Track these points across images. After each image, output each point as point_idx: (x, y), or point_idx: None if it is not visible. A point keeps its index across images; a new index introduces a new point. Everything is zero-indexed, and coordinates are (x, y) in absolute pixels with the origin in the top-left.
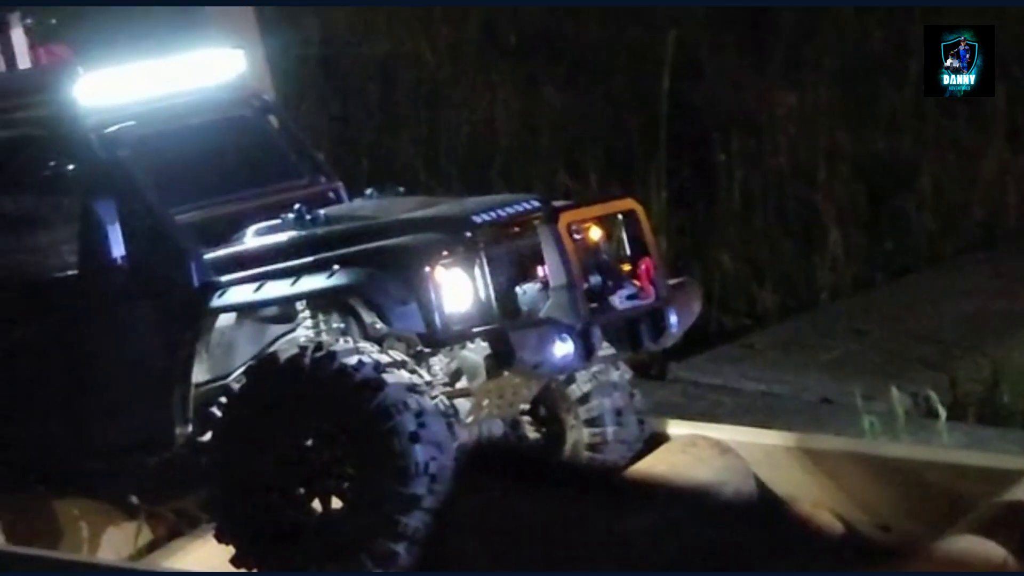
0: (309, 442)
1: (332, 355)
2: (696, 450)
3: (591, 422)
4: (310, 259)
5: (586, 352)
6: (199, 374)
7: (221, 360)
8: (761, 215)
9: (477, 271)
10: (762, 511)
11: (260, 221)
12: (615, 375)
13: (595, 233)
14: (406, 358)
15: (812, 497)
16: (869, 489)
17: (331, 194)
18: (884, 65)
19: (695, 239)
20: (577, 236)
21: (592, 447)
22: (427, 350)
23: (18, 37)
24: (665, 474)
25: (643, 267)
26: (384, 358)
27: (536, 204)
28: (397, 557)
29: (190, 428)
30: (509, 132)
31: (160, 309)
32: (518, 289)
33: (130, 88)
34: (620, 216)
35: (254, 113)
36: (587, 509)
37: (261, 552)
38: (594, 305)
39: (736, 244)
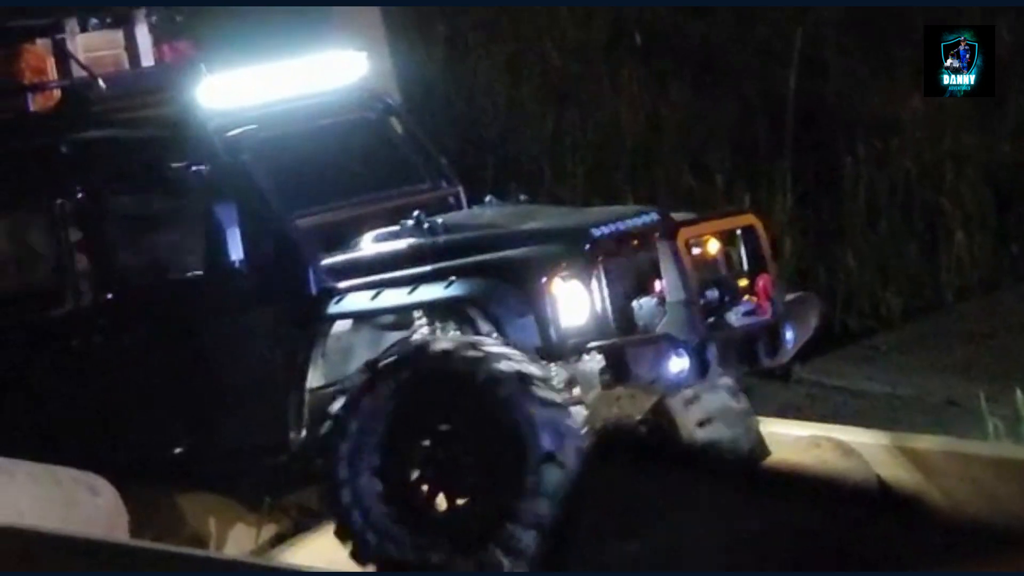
0: (443, 441)
1: (484, 358)
2: (819, 451)
3: (702, 423)
4: (428, 268)
5: (701, 368)
6: (315, 379)
7: (337, 365)
8: (887, 217)
9: (595, 284)
10: (883, 511)
11: (381, 226)
12: (733, 403)
13: (713, 248)
14: (552, 371)
15: (934, 499)
16: (993, 491)
17: (451, 199)
18: (1013, 68)
19: (820, 241)
20: (696, 251)
21: (705, 447)
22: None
23: (142, 33)
24: (788, 474)
25: (760, 284)
26: (532, 369)
27: (656, 218)
28: (501, 567)
29: (304, 433)
30: (635, 133)
31: (277, 314)
32: (635, 303)
33: (253, 91)
34: (739, 231)
35: (377, 116)
36: (712, 507)
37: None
38: (711, 321)
39: (862, 246)
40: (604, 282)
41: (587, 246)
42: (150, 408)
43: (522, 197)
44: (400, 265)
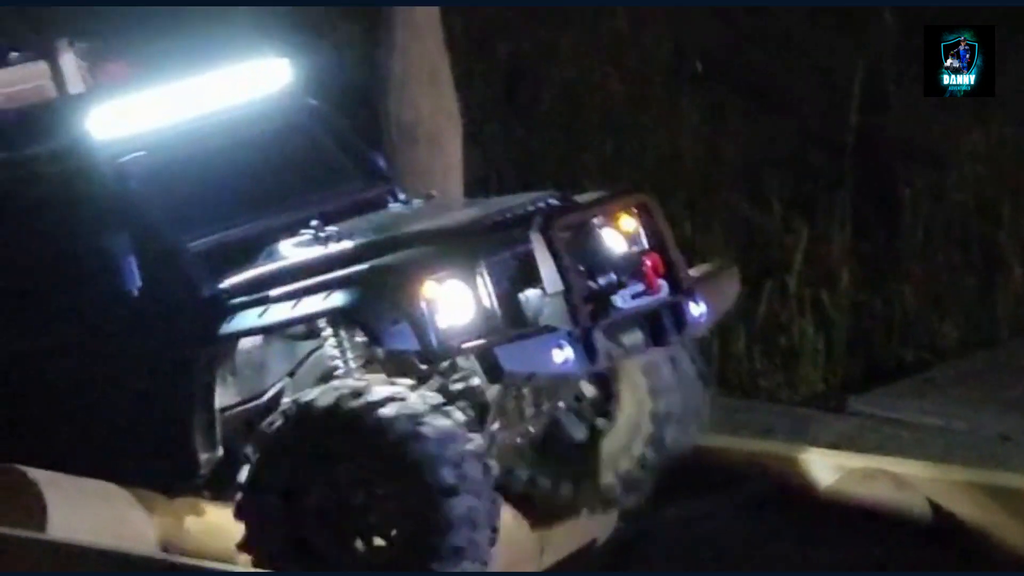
0: (351, 487)
1: (370, 407)
2: (874, 483)
3: (655, 392)
4: (312, 281)
5: (589, 355)
6: (226, 398)
7: (251, 380)
8: (944, 250)
9: (476, 282)
10: (938, 545)
11: (298, 233)
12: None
13: (597, 233)
14: (440, 399)
15: (987, 534)
16: None
17: (388, 196)
18: None
19: (877, 271)
20: (588, 235)
21: (658, 418)
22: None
23: (68, 62)
24: (843, 506)
25: (649, 263)
26: (416, 404)
27: (543, 206)
28: None
29: (220, 452)
30: (693, 160)
31: (173, 338)
32: (521, 297)
33: (149, 114)
34: (634, 211)
35: (303, 122)
36: (766, 538)
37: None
38: (594, 307)
39: (918, 277)
40: (488, 278)
41: (463, 245)
42: (58, 436)
43: (433, 192)
44: (293, 279)
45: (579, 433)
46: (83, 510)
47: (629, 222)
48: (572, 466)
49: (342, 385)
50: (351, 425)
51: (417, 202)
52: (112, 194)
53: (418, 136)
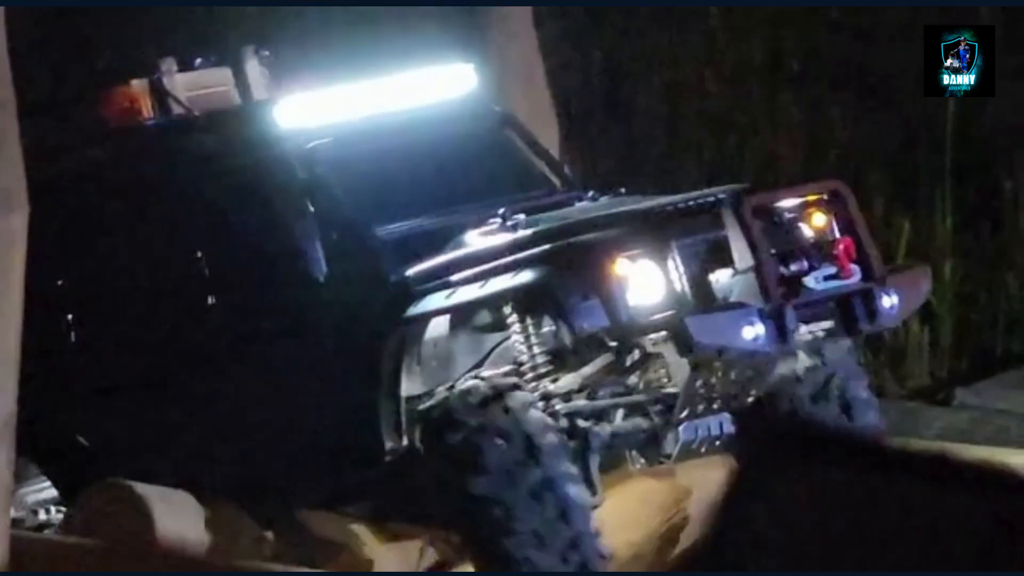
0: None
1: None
2: None
3: (815, 398)
4: (501, 263)
5: (779, 334)
6: (412, 387)
7: (438, 371)
8: None
9: (667, 262)
10: None
11: (485, 223)
12: (839, 354)
13: (792, 217)
14: (582, 403)
15: None
16: None
17: (576, 203)
18: None
19: (982, 263)
20: (781, 220)
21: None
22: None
23: (252, 69)
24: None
25: (841, 247)
26: (547, 422)
27: (730, 192)
28: None
29: (404, 441)
30: (794, 158)
31: (362, 323)
32: (712, 277)
33: (333, 108)
34: (825, 198)
35: (488, 126)
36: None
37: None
38: (787, 287)
39: (1022, 268)
40: (679, 259)
41: (653, 225)
42: (243, 423)
43: (621, 190)
44: (480, 263)
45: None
46: (189, 523)
47: (821, 209)
48: None
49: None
50: (477, 415)
51: (605, 197)
52: (299, 180)
53: None
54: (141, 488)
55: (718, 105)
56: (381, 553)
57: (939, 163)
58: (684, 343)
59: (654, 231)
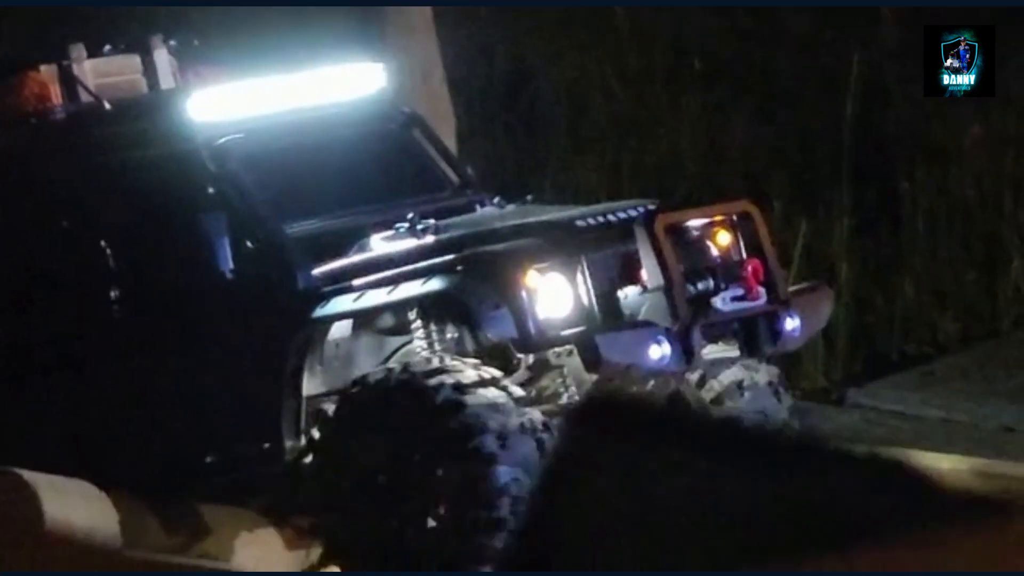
0: (398, 462)
1: (412, 376)
2: None
3: (715, 401)
4: (409, 268)
5: (686, 353)
6: (312, 386)
7: (339, 372)
8: (945, 244)
9: (577, 276)
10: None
11: (393, 227)
12: (755, 377)
13: (701, 236)
14: (497, 375)
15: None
16: None
17: (477, 206)
18: None
19: (879, 267)
20: (690, 238)
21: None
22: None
23: (161, 58)
24: None
25: (750, 268)
26: (469, 376)
27: (642, 210)
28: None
29: (303, 441)
30: (695, 159)
31: (267, 321)
32: (620, 293)
33: (246, 103)
34: (735, 219)
35: (396, 127)
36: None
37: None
38: (695, 307)
39: (920, 272)
40: (588, 273)
41: (566, 238)
42: (146, 415)
43: (528, 197)
44: (389, 267)
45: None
46: (83, 512)
47: (728, 228)
48: None
49: (396, 363)
50: (399, 395)
51: (512, 205)
52: (210, 174)
53: None
54: (31, 476)
55: (620, 105)
56: (279, 546)
57: (838, 165)
58: (591, 360)
59: (566, 244)
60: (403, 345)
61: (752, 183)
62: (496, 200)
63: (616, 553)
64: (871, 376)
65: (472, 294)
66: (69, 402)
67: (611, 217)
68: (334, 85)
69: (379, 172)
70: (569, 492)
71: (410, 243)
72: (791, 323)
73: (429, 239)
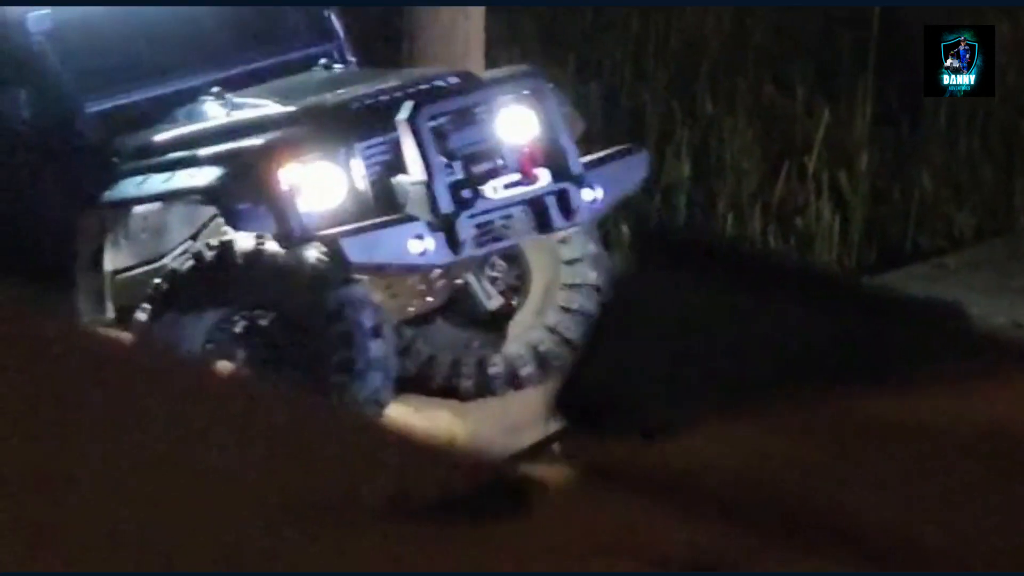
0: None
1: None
2: None
3: (571, 262)
4: (186, 154)
5: (452, 246)
6: (118, 261)
7: (149, 244)
8: (965, 138)
9: (348, 166)
10: None
11: (199, 99)
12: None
13: (482, 118)
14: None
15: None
16: None
17: (325, 57)
18: None
19: (897, 156)
20: (470, 120)
21: (568, 288)
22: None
23: None
24: None
25: (527, 152)
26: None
27: (423, 89)
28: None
29: (110, 314)
30: (719, 42)
31: (65, 200)
32: (394, 183)
33: None
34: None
35: None
36: None
37: None
38: (464, 197)
39: (938, 165)
40: (363, 162)
41: (336, 126)
42: None
43: (352, 60)
44: (175, 149)
45: (491, 303)
46: None
47: (518, 107)
48: (483, 337)
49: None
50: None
51: (339, 68)
52: (12, 48)
53: None
54: None
55: None
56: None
57: (864, 55)
58: (339, 263)
59: (335, 133)
60: (215, 216)
61: (776, 69)
62: (323, 62)
63: (669, 397)
64: (885, 266)
65: (228, 191)
66: None
67: (388, 99)
68: None
69: (218, 29)
70: (621, 338)
71: (201, 125)
72: (590, 194)
73: (220, 122)
